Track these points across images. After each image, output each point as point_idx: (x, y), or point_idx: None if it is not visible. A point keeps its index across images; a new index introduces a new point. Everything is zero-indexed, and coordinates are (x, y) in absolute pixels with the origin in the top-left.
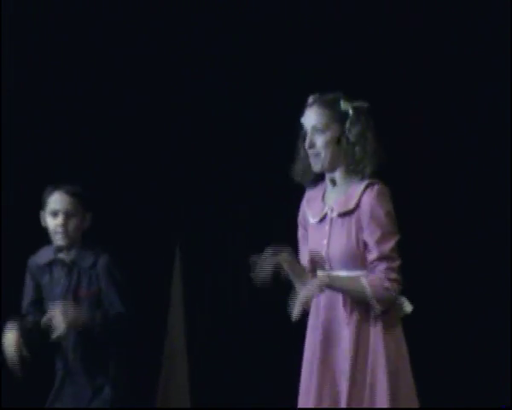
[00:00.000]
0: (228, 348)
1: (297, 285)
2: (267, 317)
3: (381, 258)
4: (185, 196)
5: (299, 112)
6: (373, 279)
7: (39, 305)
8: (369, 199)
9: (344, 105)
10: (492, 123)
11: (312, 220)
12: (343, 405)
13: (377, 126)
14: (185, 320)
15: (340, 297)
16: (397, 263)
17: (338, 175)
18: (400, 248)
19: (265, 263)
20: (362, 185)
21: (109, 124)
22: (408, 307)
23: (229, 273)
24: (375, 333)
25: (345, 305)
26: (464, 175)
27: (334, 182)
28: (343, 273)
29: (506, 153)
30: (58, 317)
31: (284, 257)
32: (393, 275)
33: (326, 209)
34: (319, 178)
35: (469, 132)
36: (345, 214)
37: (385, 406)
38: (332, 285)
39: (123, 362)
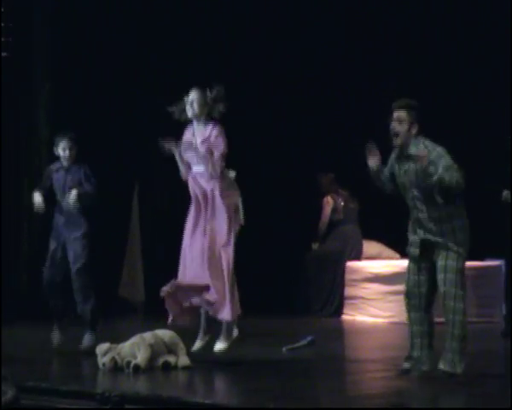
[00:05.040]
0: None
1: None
2: None
3: (218, 153)
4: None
5: None
6: (213, 159)
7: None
8: (214, 132)
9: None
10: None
11: (186, 139)
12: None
13: None
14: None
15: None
16: (222, 157)
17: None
18: None
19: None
20: (211, 125)
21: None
22: (232, 174)
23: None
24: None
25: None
26: None
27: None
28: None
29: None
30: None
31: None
32: (221, 161)
33: (195, 137)
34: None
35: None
36: (204, 140)
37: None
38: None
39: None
